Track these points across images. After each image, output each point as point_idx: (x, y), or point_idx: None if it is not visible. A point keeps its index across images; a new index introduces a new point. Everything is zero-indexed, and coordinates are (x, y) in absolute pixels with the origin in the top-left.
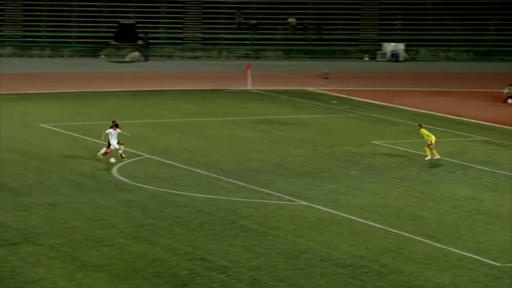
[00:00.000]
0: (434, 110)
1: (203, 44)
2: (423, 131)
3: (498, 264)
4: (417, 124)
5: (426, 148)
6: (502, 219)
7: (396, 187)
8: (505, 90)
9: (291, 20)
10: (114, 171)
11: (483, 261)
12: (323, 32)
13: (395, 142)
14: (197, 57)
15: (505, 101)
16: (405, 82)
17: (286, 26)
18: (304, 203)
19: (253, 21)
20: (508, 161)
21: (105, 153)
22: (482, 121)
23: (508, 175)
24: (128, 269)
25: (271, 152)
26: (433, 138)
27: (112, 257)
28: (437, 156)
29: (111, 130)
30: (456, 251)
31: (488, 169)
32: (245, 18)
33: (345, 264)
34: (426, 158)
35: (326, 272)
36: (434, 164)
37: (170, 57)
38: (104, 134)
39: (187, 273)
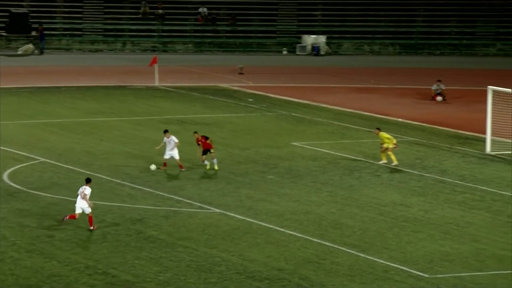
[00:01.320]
0: (358, 108)
1: (104, 36)
2: (383, 134)
3: (426, 275)
4: (375, 128)
5: (383, 153)
6: (430, 227)
7: (318, 192)
8: (434, 87)
9: (202, 10)
10: (4, 177)
11: (411, 272)
12: (238, 23)
13: (317, 144)
14: (98, 50)
15: (433, 98)
16: (327, 78)
17: (197, 17)
18: (217, 210)
19: (160, 11)
20: (437, 163)
21: None
22: (409, 120)
23: (436, 179)
24: (21, 286)
25: (181, 155)
26: (394, 142)
27: (3, 273)
28: (395, 162)
29: None
30: (382, 261)
31: (416, 172)
32: (151, 8)
33: (262, 277)
34: (380, 162)
35: (241, 286)
36: (358, 167)
37: (68, 50)
38: None
39: None
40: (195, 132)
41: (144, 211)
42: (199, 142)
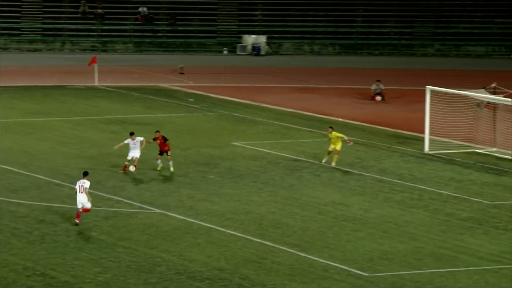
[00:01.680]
0: (299, 108)
1: (43, 35)
2: (335, 134)
3: (365, 274)
4: (328, 126)
5: (329, 154)
6: (370, 226)
7: (259, 192)
8: (373, 87)
9: (142, 9)
10: None
11: (350, 271)
12: (178, 23)
13: (258, 143)
14: (36, 50)
15: (373, 98)
16: (268, 78)
17: (136, 16)
18: (158, 211)
19: (100, 10)
20: (376, 163)
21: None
22: (349, 120)
23: (375, 178)
24: None
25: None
26: (346, 138)
27: None
28: (334, 164)
29: None
30: (322, 260)
31: (356, 171)
32: (91, 7)
33: (203, 277)
34: (322, 161)
35: (182, 286)
36: (299, 167)
37: (5, 49)
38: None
39: None
40: (157, 131)
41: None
42: (158, 141)
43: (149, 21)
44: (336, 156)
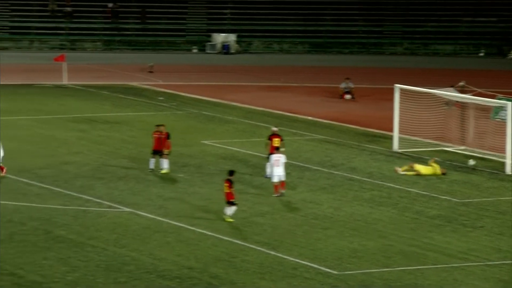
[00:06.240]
0: (268, 106)
1: (11, 33)
2: (435, 166)
3: (335, 272)
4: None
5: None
6: (339, 224)
7: None
8: (342, 85)
9: (110, 4)
10: None
11: (320, 269)
12: (147, 21)
13: (227, 142)
14: (4, 48)
15: (342, 96)
16: (237, 76)
17: (106, 13)
18: (127, 209)
19: (69, 9)
20: (346, 161)
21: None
22: (318, 118)
23: (345, 176)
24: None
25: (91, 154)
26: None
27: None
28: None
29: None
30: (292, 259)
31: (326, 170)
32: (59, 5)
33: (172, 276)
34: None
35: (151, 285)
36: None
37: None
38: None
39: None
40: (162, 125)
41: (52, 210)
42: (156, 136)
43: (117, 17)
44: (412, 172)
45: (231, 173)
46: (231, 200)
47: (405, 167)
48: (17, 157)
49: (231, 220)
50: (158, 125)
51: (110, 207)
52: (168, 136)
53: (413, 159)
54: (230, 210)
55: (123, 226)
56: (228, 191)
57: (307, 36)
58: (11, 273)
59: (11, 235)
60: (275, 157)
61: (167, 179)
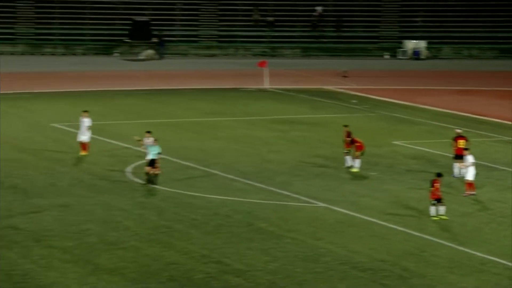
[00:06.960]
0: (456, 109)
1: (219, 42)
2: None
3: None
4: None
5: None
6: None
7: (417, 189)
8: None
9: (318, 8)
10: (127, 172)
11: (507, 264)
12: (343, 29)
13: (416, 143)
14: (213, 55)
15: None
16: (427, 81)
17: (314, 13)
18: (323, 205)
19: (270, 18)
20: None
21: None
22: (506, 120)
23: None
24: (142, 273)
25: (289, 153)
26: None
27: (126, 260)
28: None
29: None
30: (480, 254)
31: (509, 169)
32: (262, 15)
33: (365, 268)
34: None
35: (346, 276)
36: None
37: (185, 55)
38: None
39: (203, 276)
40: (346, 126)
41: (255, 204)
42: (349, 138)
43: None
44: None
45: (439, 175)
46: (439, 199)
47: None
48: (223, 154)
49: (444, 217)
50: (345, 126)
51: (307, 202)
52: (348, 135)
53: None
54: (441, 210)
55: (319, 220)
56: (436, 191)
57: (497, 42)
58: (218, 261)
59: (218, 227)
60: (469, 158)
61: (359, 177)
